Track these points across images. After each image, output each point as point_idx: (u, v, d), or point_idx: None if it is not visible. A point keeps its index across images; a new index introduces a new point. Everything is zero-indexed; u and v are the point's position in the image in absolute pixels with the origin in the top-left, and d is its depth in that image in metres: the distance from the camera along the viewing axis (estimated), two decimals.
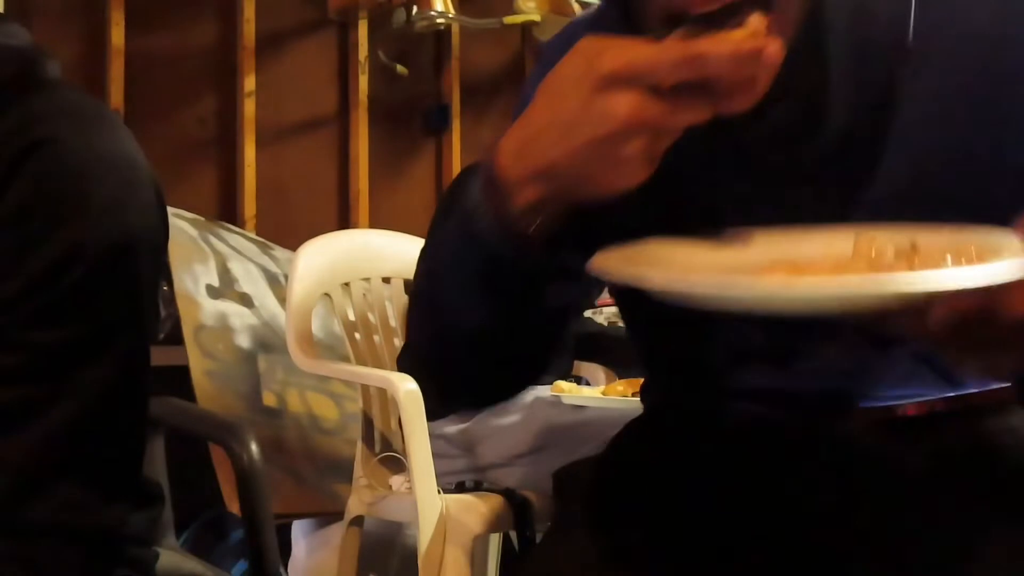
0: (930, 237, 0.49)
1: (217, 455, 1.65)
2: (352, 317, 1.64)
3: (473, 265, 0.57)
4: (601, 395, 1.58)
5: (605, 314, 2.05)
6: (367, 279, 1.69)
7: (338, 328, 1.69)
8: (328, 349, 1.86)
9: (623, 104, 0.49)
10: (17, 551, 0.64)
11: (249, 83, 2.53)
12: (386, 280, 1.71)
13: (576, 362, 1.99)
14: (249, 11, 2.53)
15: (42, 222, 0.64)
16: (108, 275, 0.66)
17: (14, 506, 0.65)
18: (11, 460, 0.65)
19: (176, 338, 1.80)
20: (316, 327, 1.66)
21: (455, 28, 2.80)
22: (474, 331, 0.60)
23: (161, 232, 0.73)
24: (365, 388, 1.60)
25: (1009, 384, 0.59)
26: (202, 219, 2.06)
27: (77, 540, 0.67)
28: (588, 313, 1.98)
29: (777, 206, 0.59)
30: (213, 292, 1.89)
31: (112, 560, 0.71)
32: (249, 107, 2.52)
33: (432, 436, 1.45)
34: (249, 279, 2.01)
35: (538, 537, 1.41)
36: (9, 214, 0.63)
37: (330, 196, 2.68)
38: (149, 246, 0.70)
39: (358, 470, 1.59)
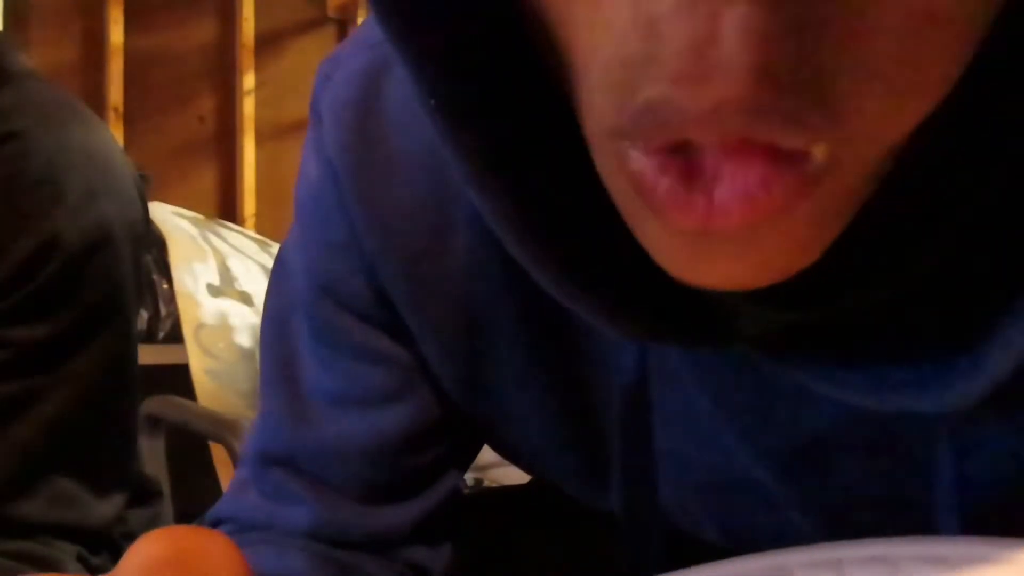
0: None
1: (217, 453, 1.65)
2: None
3: None
4: None
5: None
6: None
7: None
8: None
9: None
10: (9, 548, 0.64)
11: (248, 81, 2.53)
12: None
13: None
14: (248, 9, 2.53)
15: (16, 217, 0.63)
16: (87, 265, 0.65)
17: (8, 502, 0.64)
18: (4, 456, 0.64)
19: (176, 337, 1.80)
20: None
21: None
22: None
23: (141, 223, 0.72)
24: None
25: None
26: (202, 217, 2.06)
27: (70, 536, 0.67)
28: None
29: None
30: (213, 291, 1.89)
31: (110, 558, 0.71)
32: (248, 105, 2.52)
33: None
34: (249, 277, 2.01)
35: None
36: None
37: None
38: (128, 235, 0.69)
39: None
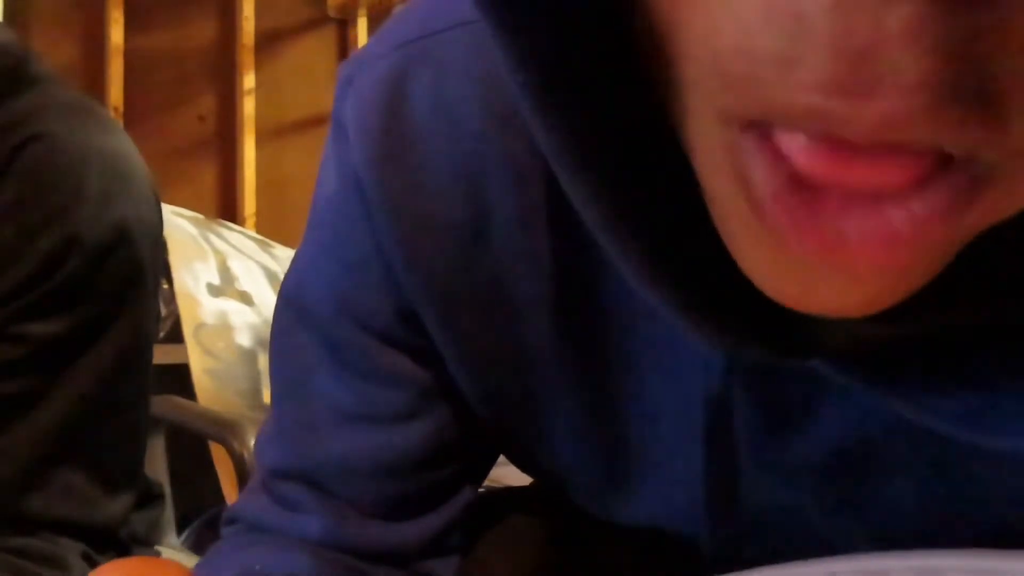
0: None
1: (217, 453, 1.65)
2: None
3: None
4: None
5: None
6: None
7: None
8: None
9: None
10: (14, 544, 0.64)
11: (249, 81, 2.53)
12: None
13: None
14: (248, 9, 2.53)
15: (37, 216, 0.64)
16: (105, 264, 0.66)
17: (16, 497, 0.65)
18: (14, 450, 0.65)
19: (176, 336, 1.80)
20: None
21: None
22: None
23: (158, 225, 0.73)
24: None
25: None
26: (202, 217, 2.06)
27: (77, 533, 0.67)
28: None
29: None
30: (213, 290, 1.89)
31: (116, 557, 0.71)
32: (249, 105, 2.52)
33: None
34: (249, 277, 2.01)
35: None
36: (3, 210, 0.64)
37: None
38: (146, 235, 0.70)
39: None
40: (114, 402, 0.69)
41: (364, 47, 0.43)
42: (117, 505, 0.70)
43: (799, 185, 0.21)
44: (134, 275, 0.69)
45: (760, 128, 0.22)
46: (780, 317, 0.30)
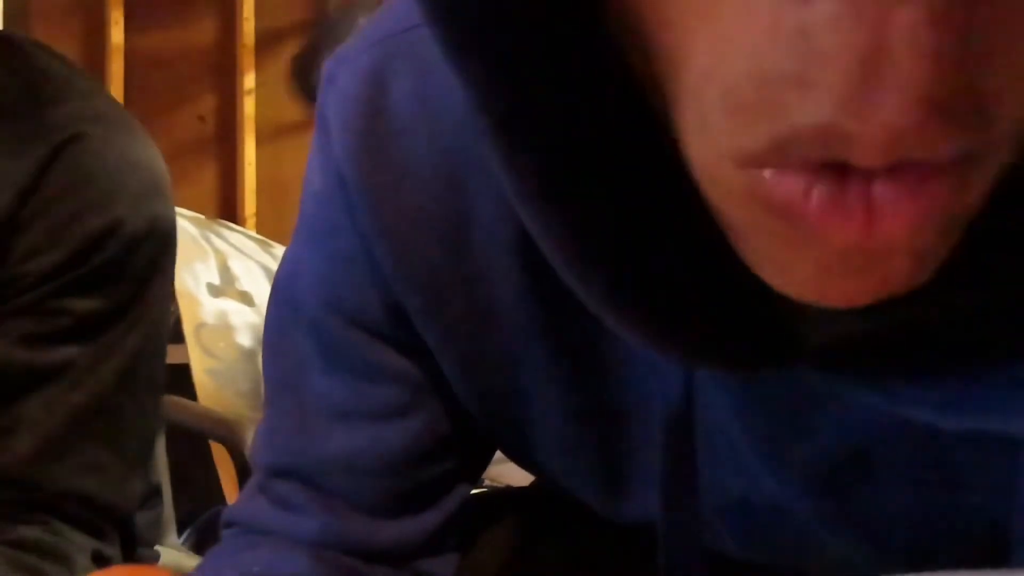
0: None
1: (218, 453, 1.66)
2: None
3: None
4: None
5: None
6: None
7: None
8: None
9: None
10: (18, 534, 0.65)
11: (248, 81, 2.53)
12: None
13: None
14: (248, 9, 2.53)
15: (81, 203, 0.69)
16: (138, 253, 0.72)
17: (38, 466, 0.67)
18: (43, 421, 0.68)
19: (177, 336, 1.80)
20: None
21: None
22: None
23: (175, 231, 0.80)
24: None
25: None
26: (202, 217, 2.06)
27: (98, 513, 0.69)
28: None
29: None
30: (214, 290, 1.90)
31: (124, 552, 0.72)
32: (249, 105, 2.52)
33: None
34: (250, 277, 2.01)
35: None
36: (55, 193, 0.69)
37: None
38: (170, 236, 0.77)
39: None
40: (137, 384, 0.72)
41: (347, 44, 0.43)
42: (131, 489, 0.72)
43: (823, 185, 0.22)
44: (156, 267, 0.75)
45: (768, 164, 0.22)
46: (758, 327, 0.31)
